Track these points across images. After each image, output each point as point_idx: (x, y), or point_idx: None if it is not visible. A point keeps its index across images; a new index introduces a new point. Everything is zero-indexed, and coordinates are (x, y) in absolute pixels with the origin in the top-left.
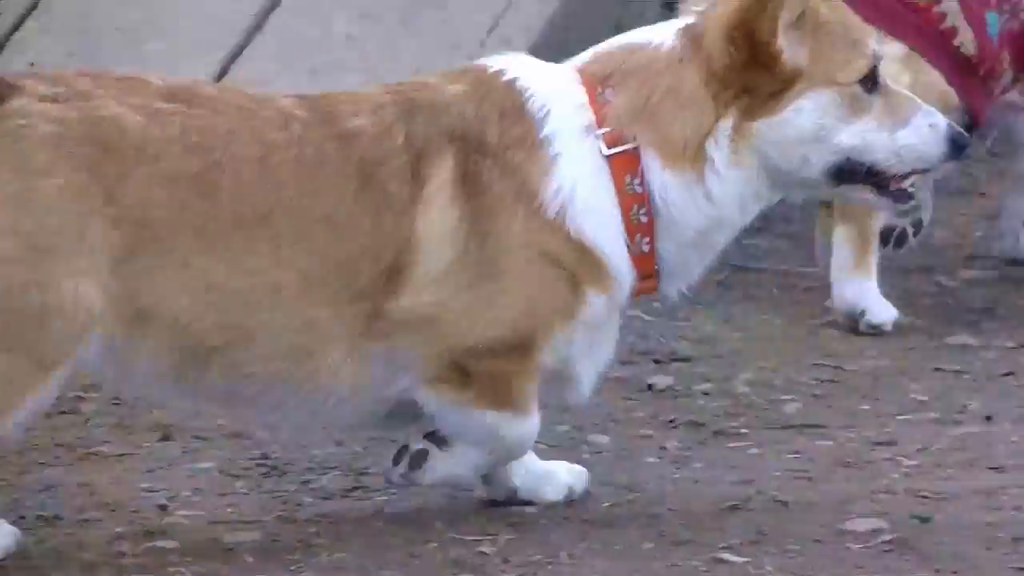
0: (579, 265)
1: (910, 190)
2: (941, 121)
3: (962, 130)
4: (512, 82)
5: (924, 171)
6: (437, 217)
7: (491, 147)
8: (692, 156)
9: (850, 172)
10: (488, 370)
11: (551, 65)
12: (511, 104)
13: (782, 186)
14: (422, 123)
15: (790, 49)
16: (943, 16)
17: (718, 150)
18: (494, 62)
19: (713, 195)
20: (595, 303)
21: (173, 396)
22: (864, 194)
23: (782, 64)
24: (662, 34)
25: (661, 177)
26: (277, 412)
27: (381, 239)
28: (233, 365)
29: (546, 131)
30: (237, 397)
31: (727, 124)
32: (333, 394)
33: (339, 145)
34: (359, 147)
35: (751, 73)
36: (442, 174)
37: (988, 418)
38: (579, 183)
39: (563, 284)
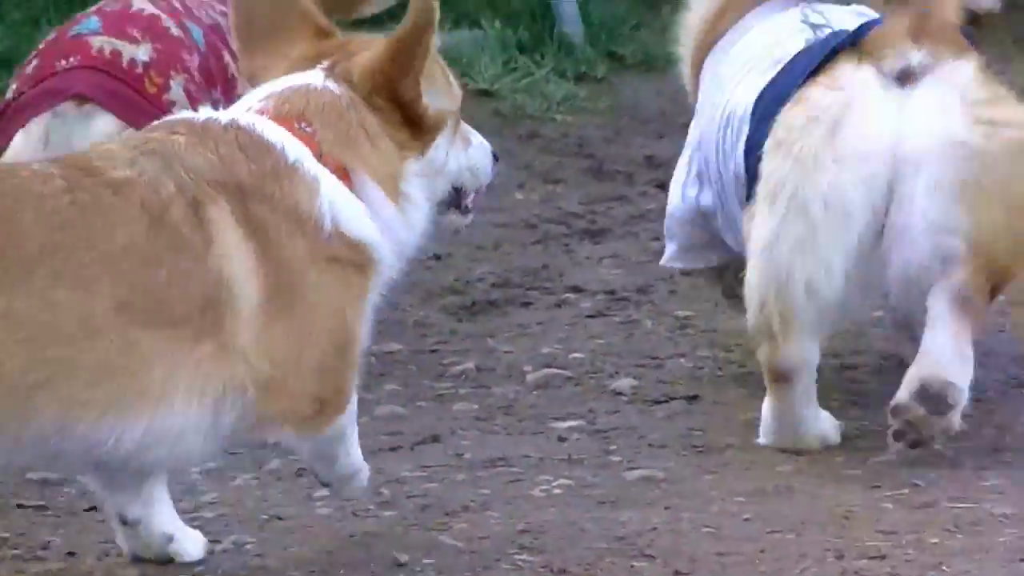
0: (361, 258)
1: (471, 205)
2: (482, 139)
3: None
4: (232, 123)
5: (482, 184)
6: (236, 257)
7: (248, 185)
8: (393, 189)
9: (448, 199)
10: (332, 381)
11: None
12: (248, 140)
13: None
14: (182, 173)
15: (432, 100)
16: (173, 103)
17: (411, 188)
18: (191, 114)
19: (413, 225)
20: (375, 283)
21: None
22: (453, 216)
23: (428, 116)
24: (312, 79)
25: (377, 198)
26: (112, 446)
27: (185, 273)
28: (61, 399)
29: (293, 157)
30: (69, 436)
31: (414, 165)
32: (168, 419)
33: (113, 191)
34: (136, 194)
35: (407, 126)
36: (223, 218)
37: (71, 554)
38: (338, 197)
39: (354, 273)
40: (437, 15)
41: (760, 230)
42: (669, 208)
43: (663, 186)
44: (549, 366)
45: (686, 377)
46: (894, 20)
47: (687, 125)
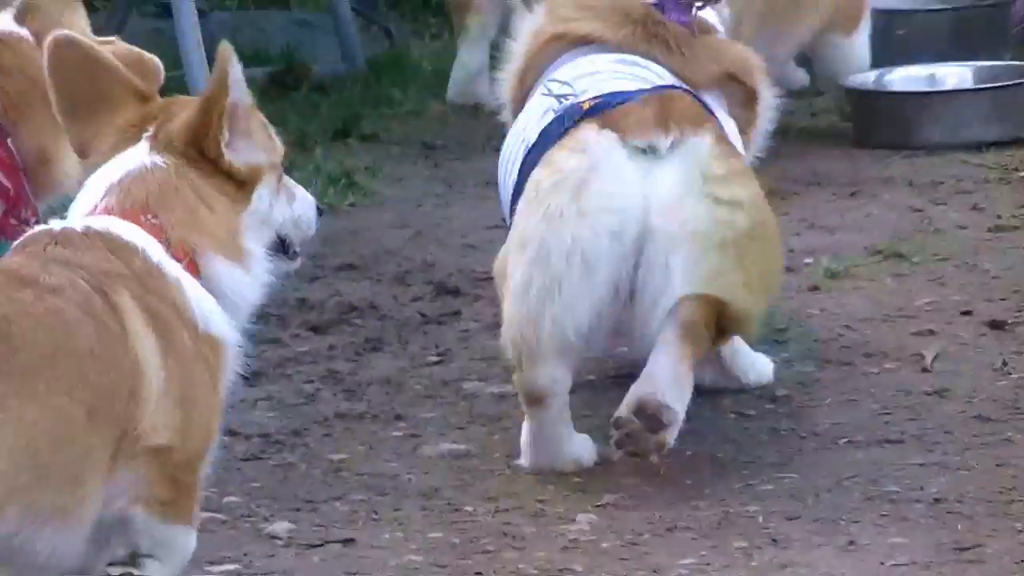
0: (219, 358)
1: (298, 250)
2: (306, 192)
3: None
4: (88, 229)
5: (305, 237)
6: (144, 341)
7: (137, 279)
8: (237, 251)
9: (273, 247)
10: (187, 482)
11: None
12: (112, 244)
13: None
14: (85, 274)
15: (244, 155)
16: None
17: (248, 242)
18: (47, 227)
19: (259, 280)
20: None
21: None
22: (280, 262)
23: (238, 170)
24: (142, 157)
25: (226, 271)
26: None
27: (120, 367)
28: (28, 506)
29: (155, 259)
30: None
31: (245, 218)
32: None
33: (56, 299)
34: (71, 298)
35: (228, 178)
36: (127, 304)
37: None
38: (199, 295)
39: (216, 376)
40: (236, 72)
41: (513, 276)
42: None
43: (316, 329)
44: (204, 510)
45: (341, 520)
46: (641, 103)
47: (339, 268)
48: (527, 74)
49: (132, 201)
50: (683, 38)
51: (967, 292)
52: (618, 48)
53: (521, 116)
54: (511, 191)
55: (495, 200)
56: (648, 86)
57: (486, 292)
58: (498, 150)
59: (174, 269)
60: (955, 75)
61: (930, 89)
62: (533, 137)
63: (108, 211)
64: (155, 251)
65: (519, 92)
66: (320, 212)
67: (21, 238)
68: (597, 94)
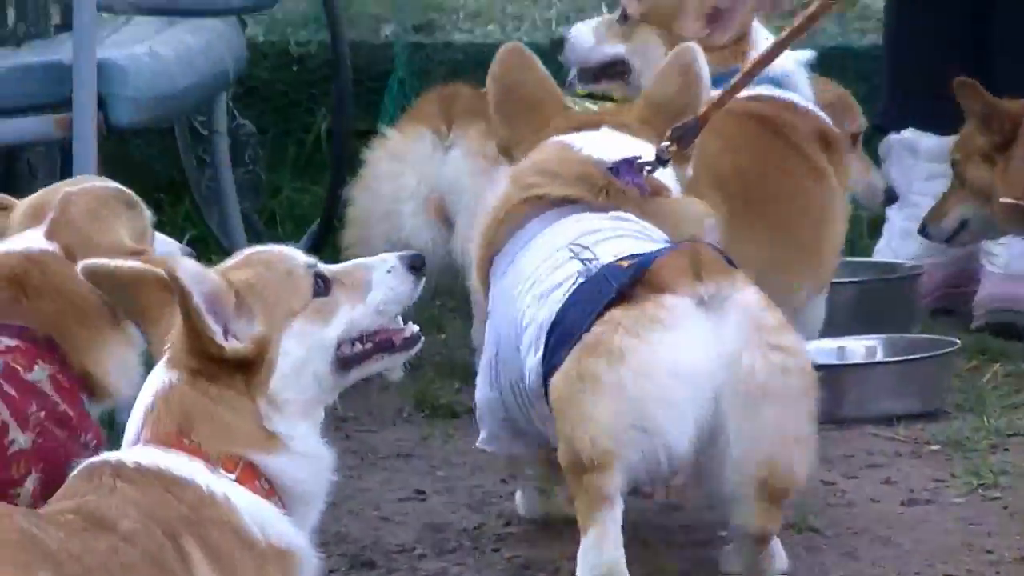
0: (289, 571)
1: (416, 330)
2: (392, 259)
3: (413, 252)
4: (138, 465)
5: (408, 304)
6: None
7: (197, 516)
8: (271, 440)
9: (351, 355)
10: None
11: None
12: (166, 480)
13: (321, 401)
14: (153, 520)
15: (244, 331)
16: None
17: (280, 423)
18: (100, 460)
19: (309, 456)
20: None
21: None
22: (377, 364)
23: (246, 351)
24: (162, 378)
25: (277, 467)
26: None
27: None
28: None
29: (205, 486)
30: None
31: (263, 402)
32: None
33: (129, 546)
34: (141, 544)
35: (233, 368)
36: (197, 555)
37: None
38: (253, 508)
39: None
40: (185, 271)
41: (602, 385)
42: (478, 396)
43: None
44: None
45: None
46: (675, 256)
47: None
48: (497, 237)
49: (164, 426)
50: (641, 203)
51: (881, 566)
52: (600, 209)
53: (524, 282)
54: (543, 342)
55: (407, 472)
56: (660, 244)
57: (400, 564)
58: (408, 420)
59: (224, 489)
60: (864, 348)
61: (839, 362)
62: (561, 296)
63: (148, 441)
64: (203, 476)
65: (487, 253)
66: (419, 266)
67: (80, 466)
68: (625, 254)
